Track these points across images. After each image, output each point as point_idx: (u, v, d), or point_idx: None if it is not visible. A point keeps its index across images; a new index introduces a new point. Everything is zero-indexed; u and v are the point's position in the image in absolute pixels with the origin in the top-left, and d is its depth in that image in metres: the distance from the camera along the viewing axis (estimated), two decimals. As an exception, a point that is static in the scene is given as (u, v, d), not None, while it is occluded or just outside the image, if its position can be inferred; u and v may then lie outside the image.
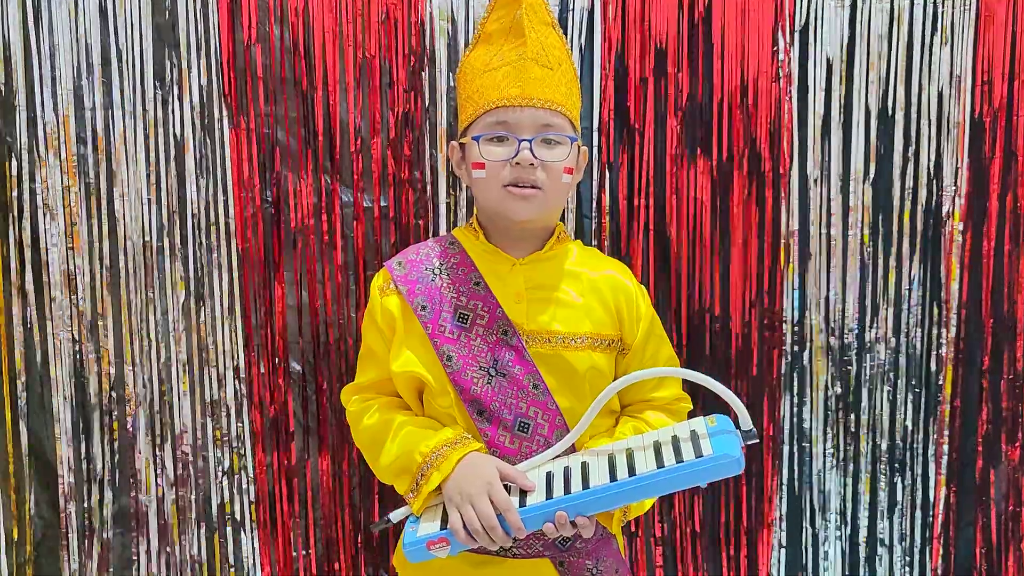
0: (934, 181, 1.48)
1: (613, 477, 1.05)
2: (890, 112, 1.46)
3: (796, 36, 1.44)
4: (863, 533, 1.56)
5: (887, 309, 1.50)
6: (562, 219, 1.46)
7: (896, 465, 1.54)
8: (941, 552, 1.56)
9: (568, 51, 1.24)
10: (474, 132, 1.19)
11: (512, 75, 1.16)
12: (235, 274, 1.47)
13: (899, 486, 1.54)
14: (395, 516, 1.16)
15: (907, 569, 1.56)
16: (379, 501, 1.52)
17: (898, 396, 1.52)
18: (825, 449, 1.53)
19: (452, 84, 1.43)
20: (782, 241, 1.48)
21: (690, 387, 1.24)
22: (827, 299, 1.50)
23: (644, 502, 1.18)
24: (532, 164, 1.15)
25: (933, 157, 1.47)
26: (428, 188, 1.47)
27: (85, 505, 1.50)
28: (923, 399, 1.52)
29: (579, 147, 1.23)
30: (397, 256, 1.27)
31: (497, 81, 1.17)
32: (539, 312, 1.19)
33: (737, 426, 1.07)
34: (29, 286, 1.45)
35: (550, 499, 1.06)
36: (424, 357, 1.18)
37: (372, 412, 1.23)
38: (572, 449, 1.15)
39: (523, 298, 1.19)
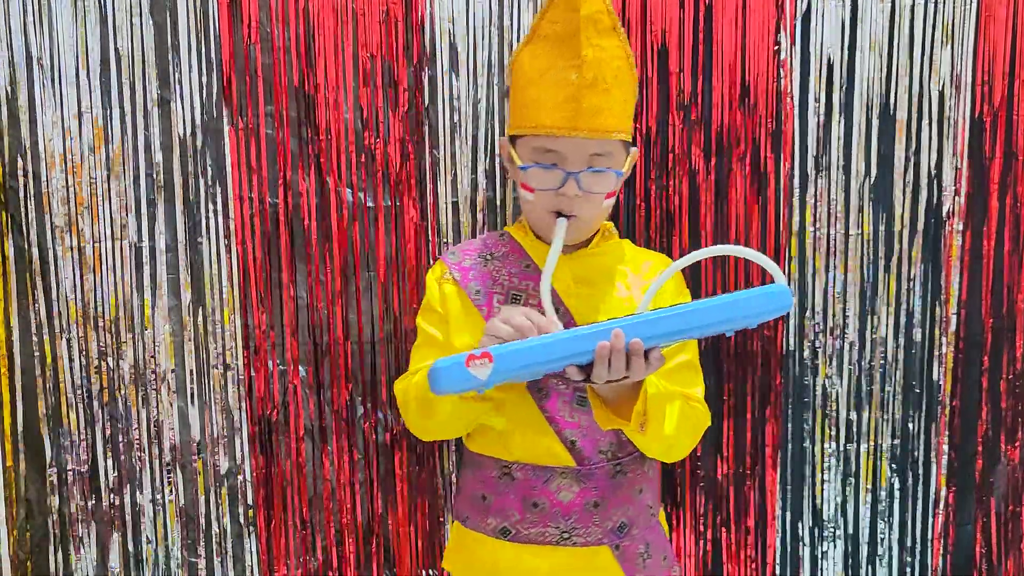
0: (934, 181, 1.48)
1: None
2: (890, 112, 1.46)
3: (797, 36, 1.44)
4: (863, 533, 1.56)
5: (887, 309, 1.50)
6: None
7: (896, 465, 1.54)
8: (941, 552, 1.56)
9: (627, 51, 1.19)
10: (523, 151, 1.19)
11: (565, 103, 1.14)
12: (235, 274, 1.46)
13: (899, 486, 1.54)
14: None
15: (907, 569, 1.56)
16: (379, 505, 1.52)
17: (898, 396, 1.52)
18: (825, 449, 1.53)
19: (453, 83, 1.43)
20: (782, 241, 1.48)
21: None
22: (827, 299, 1.50)
23: (663, 418, 1.13)
24: (577, 195, 1.15)
25: (933, 157, 1.47)
26: (429, 188, 1.47)
27: (83, 507, 1.49)
28: (923, 399, 1.52)
29: (631, 151, 1.23)
30: (451, 248, 1.30)
31: (549, 101, 1.15)
32: (585, 309, 1.21)
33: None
34: (31, 286, 1.44)
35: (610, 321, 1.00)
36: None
37: (409, 380, 1.23)
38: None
39: (571, 293, 1.21)
